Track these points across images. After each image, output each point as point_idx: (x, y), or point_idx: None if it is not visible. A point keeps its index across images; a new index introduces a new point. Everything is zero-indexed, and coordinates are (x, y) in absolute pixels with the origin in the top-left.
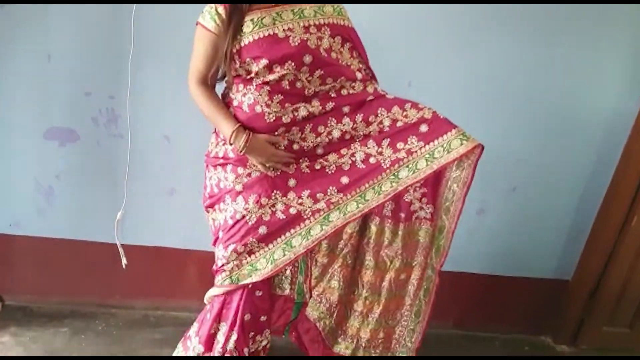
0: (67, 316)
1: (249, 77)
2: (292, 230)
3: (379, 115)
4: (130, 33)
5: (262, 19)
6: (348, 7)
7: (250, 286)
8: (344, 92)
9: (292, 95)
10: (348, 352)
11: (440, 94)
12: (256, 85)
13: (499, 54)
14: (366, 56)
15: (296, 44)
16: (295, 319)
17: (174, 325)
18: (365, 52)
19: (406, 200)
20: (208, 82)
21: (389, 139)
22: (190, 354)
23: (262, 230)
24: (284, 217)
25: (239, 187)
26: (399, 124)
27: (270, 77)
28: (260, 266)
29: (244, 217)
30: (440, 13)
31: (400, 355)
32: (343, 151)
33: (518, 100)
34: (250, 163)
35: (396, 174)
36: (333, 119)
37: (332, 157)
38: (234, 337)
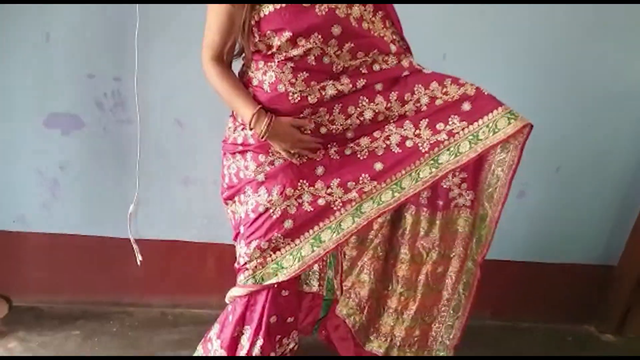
0: (79, 317)
1: (269, 52)
2: (321, 224)
3: (416, 92)
4: (135, 7)
5: None
6: None
7: (275, 286)
8: (376, 67)
9: (318, 72)
10: (381, 351)
11: (476, 67)
12: (278, 62)
13: (543, 22)
14: (400, 26)
15: (323, 13)
16: (325, 317)
17: (194, 323)
18: (400, 22)
19: (444, 186)
20: (224, 59)
21: (427, 120)
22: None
23: (288, 224)
24: (312, 209)
25: (261, 177)
26: (439, 102)
27: (294, 52)
28: (287, 264)
29: (267, 210)
30: None
31: (438, 354)
32: (376, 134)
33: (563, 73)
34: (272, 150)
35: (436, 158)
36: (364, 98)
37: (364, 141)
38: (260, 342)
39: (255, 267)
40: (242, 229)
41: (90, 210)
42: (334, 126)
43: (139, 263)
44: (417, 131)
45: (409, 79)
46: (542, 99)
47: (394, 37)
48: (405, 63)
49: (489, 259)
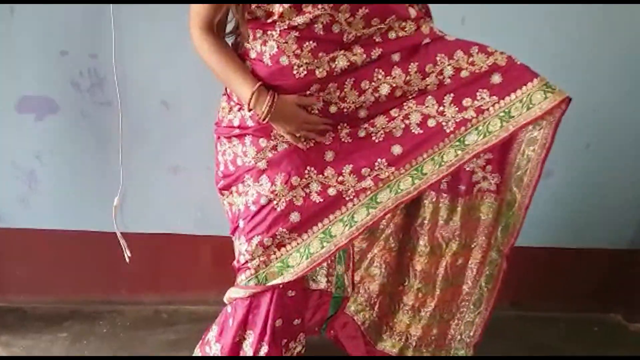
0: (67, 318)
1: (269, 20)
2: (332, 216)
3: (439, 63)
4: None
5: None
6: None
7: (281, 286)
8: (391, 35)
9: (327, 42)
10: (395, 351)
11: (499, 33)
12: (280, 31)
13: None
14: None
15: None
16: (334, 315)
17: (190, 321)
18: None
19: (467, 169)
20: (214, 29)
21: (452, 95)
22: None
23: (294, 217)
24: (321, 200)
25: (262, 164)
26: (464, 74)
27: (299, 19)
28: (293, 262)
29: (270, 202)
30: None
31: (457, 353)
32: (394, 112)
33: (594, 42)
34: (275, 133)
35: (462, 139)
36: (380, 71)
37: (379, 120)
38: (264, 349)
39: (258, 266)
40: (241, 223)
41: (71, 203)
42: (346, 104)
43: (127, 259)
44: (441, 108)
45: (430, 47)
46: (571, 69)
47: None
48: (425, 29)
49: None
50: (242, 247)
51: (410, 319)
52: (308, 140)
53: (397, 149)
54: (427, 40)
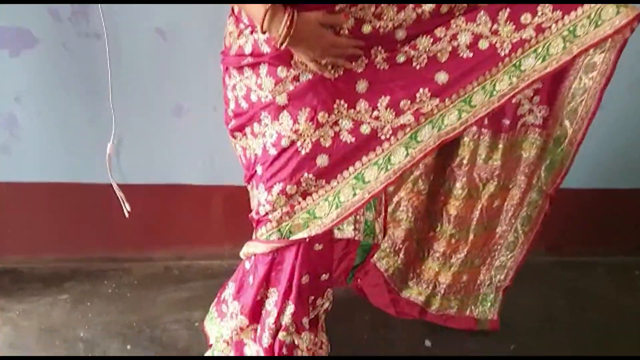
0: (68, 278)
1: None
2: (365, 159)
3: None
4: None
5: None
6: None
7: (307, 240)
8: None
9: None
10: (421, 299)
11: None
12: None
13: None
14: None
15: None
16: (361, 264)
17: (204, 278)
18: None
19: (513, 100)
20: None
21: (508, 10)
22: (229, 323)
23: (322, 161)
24: (353, 139)
25: (281, 99)
26: None
27: None
28: (321, 213)
29: (293, 143)
30: None
31: (485, 298)
32: (439, 32)
33: None
34: (296, 60)
35: (518, 64)
36: None
37: (422, 42)
38: (290, 308)
39: (281, 217)
40: (259, 170)
41: (60, 152)
42: (382, 22)
43: (126, 213)
44: (495, 26)
45: None
46: None
47: None
48: None
49: None
50: (261, 197)
51: (440, 266)
52: (336, 68)
53: (442, 77)
54: None
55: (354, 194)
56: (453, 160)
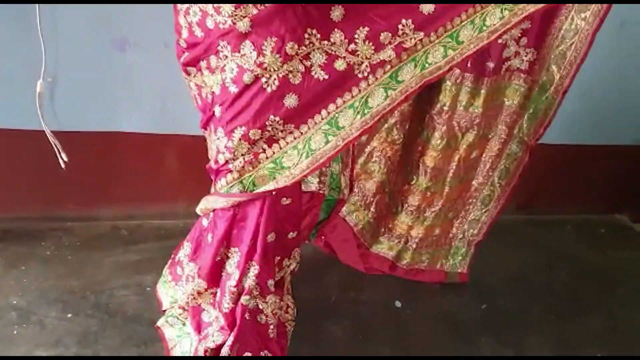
0: None
1: None
2: (339, 101)
3: None
4: None
5: None
6: None
7: (273, 193)
8: None
9: None
10: (392, 254)
11: None
12: None
13: None
14: None
15: None
16: (325, 220)
17: (156, 238)
18: None
19: (499, 41)
20: None
21: None
22: (184, 287)
23: (290, 101)
24: (326, 77)
25: (243, 26)
26: None
27: None
28: (289, 162)
29: (257, 79)
30: None
31: (457, 251)
32: None
33: None
34: None
35: None
36: None
37: None
38: (254, 270)
39: (243, 167)
40: (217, 111)
41: None
42: None
43: (62, 164)
44: None
45: None
46: None
47: None
48: None
49: None
50: (220, 144)
51: (413, 221)
52: None
53: (428, 8)
54: None
55: (327, 141)
56: (433, 107)
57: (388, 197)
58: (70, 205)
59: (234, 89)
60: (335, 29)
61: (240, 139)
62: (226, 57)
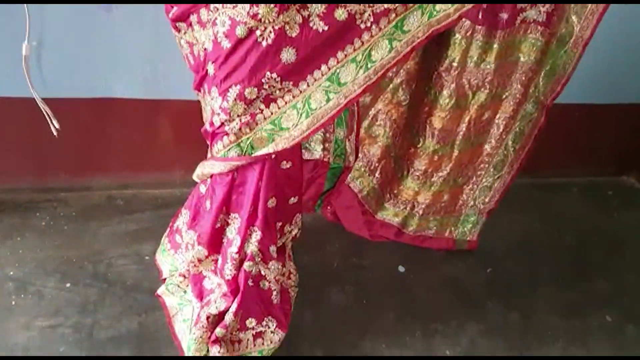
0: None
1: None
2: (340, 54)
3: None
4: None
5: None
6: None
7: (273, 156)
8: None
9: None
10: (397, 220)
11: None
12: None
13: None
14: None
15: None
16: (331, 189)
17: (153, 208)
18: None
19: None
20: None
21: None
22: (184, 255)
23: (288, 56)
24: (326, 27)
25: None
26: None
27: None
28: (288, 123)
29: (251, 32)
30: None
31: (467, 219)
32: None
33: None
34: None
35: None
36: None
37: None
38: (256, 235)
39: (240, 129)
40: (210, 69)
41: None
42: None
43: (54, 132)
44: None
45: None
46: None
47: None
48: None
49: None
50: (214, 104)
51: (419, 186)
52: None
53: None
54: None
55: (328, 99)
56: (441, 64)
57: (393, 161)
58: (64, 175)
59: (226, 44)
60: None
61: (235, 99)
62: (217, 9)
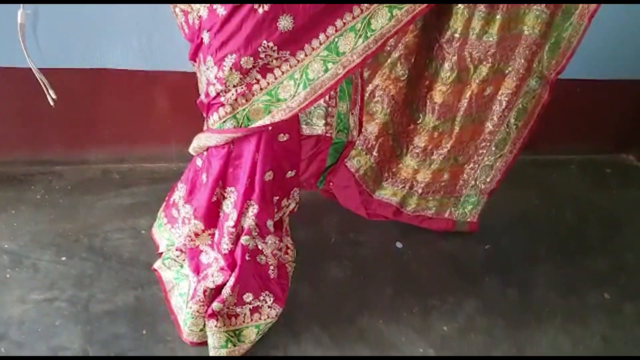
0: None
1: None
2: (339, 23)
3: None
4: None
5: None
6: None
7: (270, 128)
8: None
9: None
10: (396, 200)
11: None
12: None
13: None
14: None
15: None
16: (334, 165)
17: (149, 182)
18: None
19: None
20: None
21: None
22: (181, 230)
23: (285, 23)
24: None
25: None
26: None
27: None
28: (285, 94)
29: None
30: None
31: (468, 200)
32: None
33: None
34: None
35: None
36: None
37: None
38: (253, 209)
39: (236, 100)
40: (205, 38)
41: None
42: None
43: (51, 102)
44: None
45: None
46: None
47: None
48: None
49: None
50: (209, 74)
51: (419, 164)
52: None
53: None
54: None
55: (326, 70)
56: (442, 35)
57: (392, 139)
58: (59, 148)
59: (222, 11)
60: None
61: (231, 68)
62: None
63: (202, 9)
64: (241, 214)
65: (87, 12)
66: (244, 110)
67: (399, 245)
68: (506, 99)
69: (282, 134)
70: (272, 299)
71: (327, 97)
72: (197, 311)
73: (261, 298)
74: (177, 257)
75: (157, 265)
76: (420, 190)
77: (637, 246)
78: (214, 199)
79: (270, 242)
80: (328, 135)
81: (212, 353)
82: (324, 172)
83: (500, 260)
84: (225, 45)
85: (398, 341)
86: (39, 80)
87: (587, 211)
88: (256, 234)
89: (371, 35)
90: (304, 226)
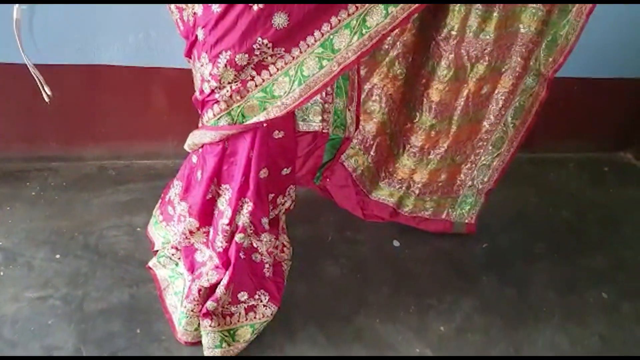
0: None
1: None
2: (334, 20)
3: None
4: None
5: None
6: None
7: (264, 125)
8: None
9: None
10: (393, 200)
11: None
12: None
13: None
14: None
15: None
16: (330, 161)
17: (145, 179)
18: None
19: None
20: None
21: None
22: (176, 227)
23: (280, 21)
24: None
25: None
26: None
27: None
28: (280, 90)
29: None
30: None
31: (465, 200)
32: None
33: None
34: None
35: None
36: None
37: None
38: (248, 206)
39: (230, 97)
40: (200, 34)
41: None
42: None
43: (47, 99)
44: None
45: None
46: None
47: None
48: None
49: None
50: (204, 71)
51: (416, 163)
52: None
53: None
54: None
55: (321, 66)
56: (439, 32)
57: (389, 138)
58: (55, 144)
59: (216, 8)
60: None
61: (226, 65)
62: None
63: (197, 6)
64: (236, 211)
65: (83, 8)
66: (238, 107)
67: (396, 244)
68: (503, 97)
69: (277, 131)
70: (267, 298)
71: (323, 94)
72: (192, 310)
73: (256, 297)
74: (173, 255)
75: (152, 263)
76: (417, 191)
77: (635, 245)
78: (209, 196)
79: (265, 240)
80: (325, 131)
81: (206, 353)
82: (321, 169)
83: (497, 259)
84: (220, 42)
85: (395, 341)
86: (34, 77)
87: (585, 210)
88: (251, 231)
89: (366, 32)
90: (300, 224)
